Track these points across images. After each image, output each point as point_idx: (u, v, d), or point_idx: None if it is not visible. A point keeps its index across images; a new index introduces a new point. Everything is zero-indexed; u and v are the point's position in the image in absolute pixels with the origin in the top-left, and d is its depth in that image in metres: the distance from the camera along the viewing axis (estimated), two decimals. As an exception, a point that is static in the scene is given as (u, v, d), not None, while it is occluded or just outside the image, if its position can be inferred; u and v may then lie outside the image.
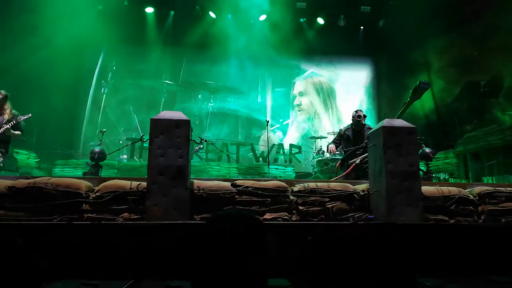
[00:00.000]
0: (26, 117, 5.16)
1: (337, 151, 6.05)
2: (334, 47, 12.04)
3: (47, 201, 2.87)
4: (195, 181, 3.20)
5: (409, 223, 2.96)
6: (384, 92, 12.57)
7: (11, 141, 5.21)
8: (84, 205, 2.95)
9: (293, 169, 9.74)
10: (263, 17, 11.43)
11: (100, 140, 5.45)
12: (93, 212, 2.92)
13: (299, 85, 12.76)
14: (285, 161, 10.18)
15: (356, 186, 3.45)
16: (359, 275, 0.91)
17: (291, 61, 12.30)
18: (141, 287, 2.46)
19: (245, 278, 0.97)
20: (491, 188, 3.39)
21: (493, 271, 2.72)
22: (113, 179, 3.18)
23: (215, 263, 0.98)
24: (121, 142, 9.89)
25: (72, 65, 10.30)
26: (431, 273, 2.57)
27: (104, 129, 5.72)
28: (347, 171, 4.96)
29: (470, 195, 3.34)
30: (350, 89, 12.74)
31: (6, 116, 5.02)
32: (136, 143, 8.57)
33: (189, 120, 3.12)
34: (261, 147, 10.08)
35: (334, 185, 3.36)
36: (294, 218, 3.16)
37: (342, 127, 6.23)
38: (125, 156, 9.58)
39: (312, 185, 3.29)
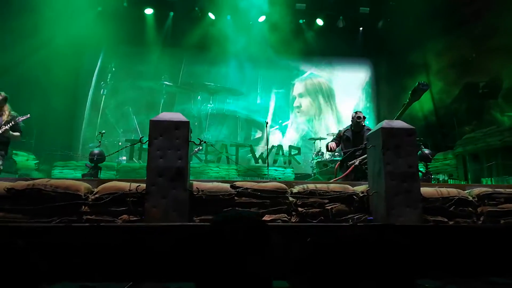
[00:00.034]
0: (24, 117, 5.13)
1: (336, 151, 6.05)
2: (333, 48, 12.05)
3: (46, 203, 2.87)
4: (194, 182, 3.20)
5: (408, 225, 2.96)
6: (383, 93, 12.57)
7: (10, 143, 5.20)
8: (83, 207, 2.95)
9: (293, 171, 9.74)
10: (262, 18, 11.42)
11: (99, 142, 5.44)
12: (92, 214, 2.92)
13: (299, 86, 12.77)
14: (285, 163, 10.17)
15: (355, 188, 3.46)
16: (358, 277, 0.91)
17: (290, 62, 12.29)
18: (140, 289, 2.45)
19: (250, 279, 0.98)
20: (490, 189, 3.40)
21: (492, 272, 2.72)
22: (112, 180, 3.19)
23: (221, 265, 0.98)
24: (120, 143, 9.84)
25: (72, 66, 10.30)
26: (430, 275, 2.57)
27: (103, 131, 5.73)
28: (346, 173, 4.95)
29: (469, 197, 3.35)
30: (349, 90, 12.75)
31: (5, 118, 5.00)
32: (135, 145, 8.54)
33: (188, 122, 3.12)
34: (260, 148, 10.08)
35: (333, 186, 3.36)
36: (293, 219, 3.15)
37: (341, 128, 6.23)
38: (124, 158, 9.56)
39: (311, 186, 3.30)
